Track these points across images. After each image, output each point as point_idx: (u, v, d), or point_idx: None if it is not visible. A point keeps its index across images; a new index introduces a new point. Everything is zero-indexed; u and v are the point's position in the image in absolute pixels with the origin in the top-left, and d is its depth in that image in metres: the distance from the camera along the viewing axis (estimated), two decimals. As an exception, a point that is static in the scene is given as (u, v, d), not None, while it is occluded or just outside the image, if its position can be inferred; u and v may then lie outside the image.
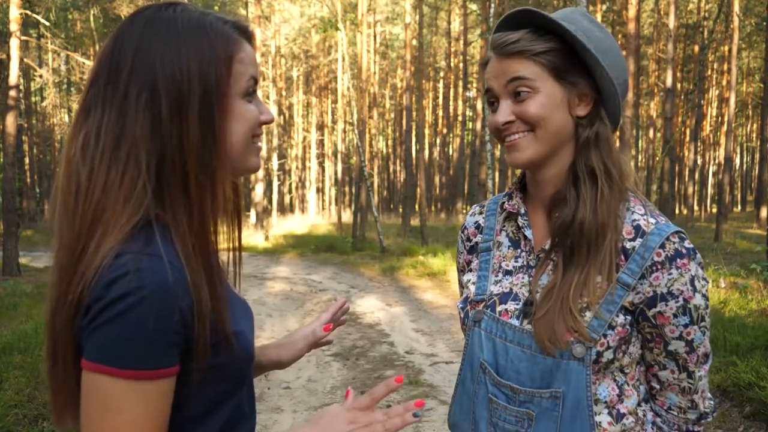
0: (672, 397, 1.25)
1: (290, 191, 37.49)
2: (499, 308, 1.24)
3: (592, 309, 1.14)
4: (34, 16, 14.26)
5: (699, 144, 29.82)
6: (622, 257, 1.17)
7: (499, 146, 11.69)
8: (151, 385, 0.87)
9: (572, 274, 1.16)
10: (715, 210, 27.37)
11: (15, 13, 12.16)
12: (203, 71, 0.94)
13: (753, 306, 7.06)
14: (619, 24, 26.62)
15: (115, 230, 0.90)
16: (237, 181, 1.12)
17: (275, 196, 28.22)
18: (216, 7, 25.13)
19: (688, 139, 28.75)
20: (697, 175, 31.60)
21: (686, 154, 30.29)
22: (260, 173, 21.06)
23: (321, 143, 33.62)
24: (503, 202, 1.34)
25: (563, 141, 1.20)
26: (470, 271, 1.37)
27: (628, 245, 1.17)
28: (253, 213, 22.01)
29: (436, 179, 38.53)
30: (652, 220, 1.18)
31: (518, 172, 1.37)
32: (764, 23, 24.09)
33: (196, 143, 0.93)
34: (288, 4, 26.48)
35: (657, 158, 19.61)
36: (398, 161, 38.94)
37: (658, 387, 1.26)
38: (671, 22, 18.92)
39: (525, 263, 1.27)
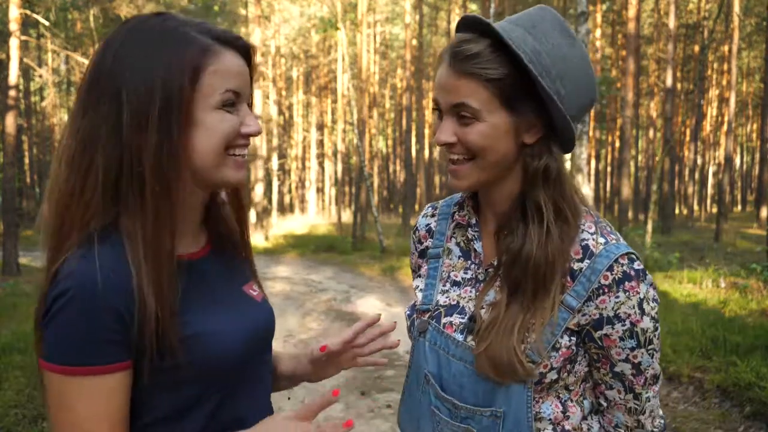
0: (619, 416, 1.23)
1: (290, 191, 37.48)
2: (444, 320, 1.21)
3: (536, 332, 1.11)
4: (34, 16, 14.26)
5: (699, 144, 29.81)
6: (569, 279, 1.13)
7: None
8: (96, 381, 0.92)
9: (517, 308, 1.13)
10: (715, 210, 27.38)
11: (15, 12, 12.15)
12: (166, 82, 0.95)
13: (753, 306, 7.06)
14: (619, 24, 26.62)
15: (74, 234, 0.96)
16: (239, 186, 1.13)
17: (275, 196, 28.23)
18: (216, 7, 25.11)
19: (688, 139, 28.76)
20: (697, 175, 31.60)
21: (686, 154, 30.30)
22: (260, 173, 21.05)
23: (321, 143, 33.62)
24: (454, 212, 1.30)
25: (507, 167, 1.16)
26: (419, 276, 1.33)
27: (575, 266, 1.13)
28: (252, 213, 22.01)
29: (436, 179, 38.54)
30: (602, 240, 1.14)
31: None
32: (764, 23, 24.09)
33: (152, 153, 0.95)
34: (288, 4, 26.47)
35: (657, 158, 19.60)
36: (398, 161, 38.95)
37: (605, 405, 1.23)
38: (671, 22, 18.93)
39: (473, 276, 1.23)
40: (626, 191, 18.64)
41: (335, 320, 8.11)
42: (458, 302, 1.22)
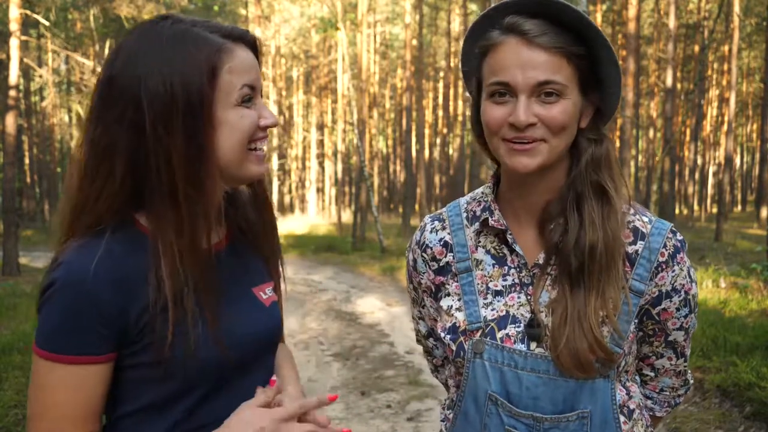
0: (666, 381, 1.28)
1: (290, 191, 37.48)
2: (499, 334, 1.14)
3: (610, 323, 1.09)
4: (34, 16, 14.27)
5: (699, 144, 29.80)
6: (627, 263, 1.14)
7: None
8: (72, 369, 0.94)
9: (584, 294, 1.09)
10: (715, 210, 27.37)
11: (15, 12, 12.15)
12: (186, 85, 0.96)
13: (753, 306, 7.06)
14: (619, 24, 26.61)
15: (80, 231, 0.98)
16: (262, 178, 1.13)
17: (275, 196, 28.22)
18: (216, 8, 25.12)
19: (688, 139, 28.74)
20: (697, 175, 31.59)
21: (686, 154, 30.29)
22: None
23: (321, 143, 33.61)
24: (485, 219, 1.20)
25: (566, 152, 1.15)
26: (449, 295, 1.22)
27: (630, 249, 1.14)
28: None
29: (436, 179, 38.52)
30: (646, 219, 1.17)
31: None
32: (764, 23, 24.08)
33: (182, 157, 0.95)
34: (288, 4, 26.46)
35: (657, 158, 19.61)
36: (398, 161, 38.93)
37: (652, 374, 1.27)
38: (671, 22, 18.92)
39: (516, 281, 1.17)
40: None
41: (335, 320, 8.11)
42: (508, 312, 1.16)
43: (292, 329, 7.51)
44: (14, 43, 12.14)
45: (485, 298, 1.18)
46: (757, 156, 31.73)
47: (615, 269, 1.11)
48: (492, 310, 1.17)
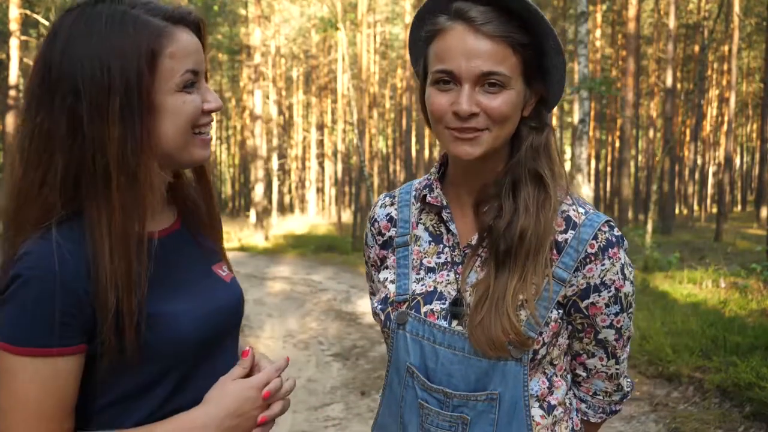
0: (598, 384, 1.27)
1: (290, 191, 37.48)
2: (424, 309, 1.17)
3: (529, 307, 1.10)
4: (34, 16, 14.27)
5: (699, 144, 29.81)
6: (554, 251, 1.14)
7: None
8: (46, 362, 0.91)
9: (507, 277, 1.11)
10: (715, 210, 27.37)
11: (15, 13, 12.17)
12: (124, 71, 0.94)
13: (753, 306, 7.06)
14: (619, 24, 26.61)
15: (29, 226, 0.95)
16: (204, 165, 1.13)
17: (275, 196, 28.21)
18: (216, 7, 25.10)
19: (688, 139, 28.75)
20: (697, 175, 31.60)
21: (686, 154, 30.29)
22: (260, 173, 21.05)
23: (321, 143, 33.61)
24: (424, 195, 1.23)
25: (508, 139, 1.16)
26: (386, 268, 1.27)
27: (560, 238, 1.15)
28: (253, 213, 22.00)
29: (436, 179, 38.46)
30: (581, 210, 1.17)
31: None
32: (764, 23, 24.08)
33: (116, 145, 0.93)
34: (288, 4, 26.47)
35: (657, 158, 19.60)
36: (398, 161, 38.93)
37: (584, 375, 1.26)
38: (671, 22, 18.94)
39: (449, 259, 1.20)
40: (626, 191, 18.64)
41: (335, 320, 8.11)
42: (436, 288, 1.18)
43: (292, 329, 7.51)
44: (14, 43, 12.17)
45: (418, 274, 1.21)
46: (757, 156, 31.72)
47: (541, 255, 1.12)
48: (422, 285, 1.20)
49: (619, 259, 1.15)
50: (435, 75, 1.11)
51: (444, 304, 1.17)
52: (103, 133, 0.93)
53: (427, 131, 32.81)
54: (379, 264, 1.32)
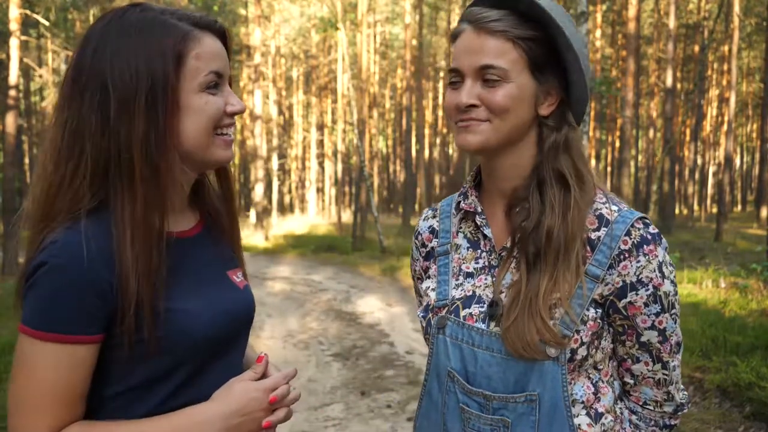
0: (647, 392, 1.22)
1: (290, 191, 37.47)
2: (463, 312, 1.18)
3: (563, 306, 1.10)
4: (34, 15, 14.27)
5: (699, 144, 29.80)
6: (588, 248, 1.14)
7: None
8: (62, 349, 0.95)
9: (539, 277, 1.12)
10: (715, 210, 27.37)
11: (15, 12, 12.15)
12: (150, 69, 0.99)
13: (753, 306, 7.06)
14: (619, 24, 26.61)
15: (60, 215, 0.99)
16: (227, 166, 1.19)
17: (275, 196, 28.21)
18: (216, 8, 25.10)
19: (688, 139, 28.75)
20: (697, 175, 31.59)
21: (686, 154, 30.29)
22: (260, 173, 21.05)
23: (321, 143, 33.60)
24: (459, 202, 1.27)
25: (520, 135, 1.16)
26: (429, 277, 1.30)
27: (593, 236, 1.14)
28: (253, 213, 22.00)
29: (436, 179, 38.52)
30: (614, 208, 1.16)
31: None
32: (764, 23, 24.08)
33: (140, 139, 0.98)
34: (288, 4, 26.47)
35: (657, 158, 19.61)
36: (398, 161, 38.93)
37: (632, 382, 1.22)
38: (671, 22, 18.94)
39: (486, 263, 1.22)
40: (626, 191, 18.62)
41: (335, 320, 8.11)
42: (474, 292, 1.20)
43: (292, 329, 7.52)
44: (14, 43, 12.15)
45: (457, 280, 1.23)
46: (757, 156, 31.73)
47: (572, 254, 1.12)
48: (461, 290, 1.22)
49: (656, 256, 1.13)
50: (448, 75, 1.18)
51: (482, 307, 1.17)
52: (129, 129, 0.98)
53: (427, 131, 32.83)
54: (423, 275, 1.34)
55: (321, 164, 34.24)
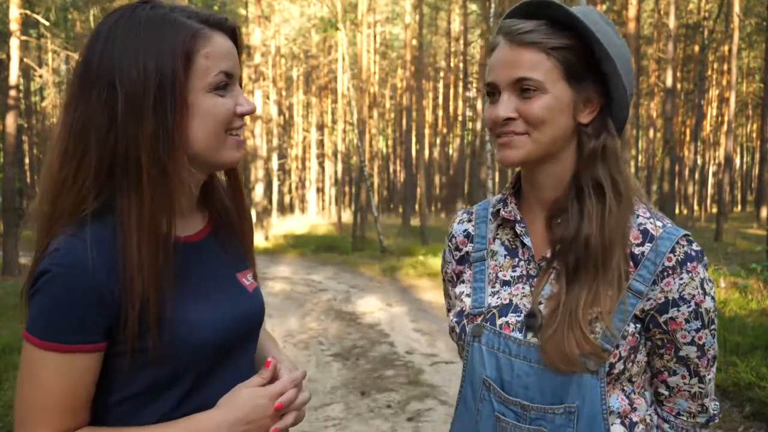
0: (681, 403, 1.22)
1: (290, 191, 37.48)
2: (499, 321, 1.17)
3: (604, 320, 1.09)
4: (34, 15, 14.27)
5: (699, 144, 29.81)
6: (631, 263, 1.13)
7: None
8: (65, 358, 0.94)
9: (579, 289, 1.11)
10: (715, 210, 27.36)
11: (15, 12, 12.16)
12: (159, 67, 0.96)
13: (753, 306, 7.06)
14: (619, 24, 26.60)
15: (64, 217, 0.97)
16: (237, 168, 1.15)
17: (275, 196, 28.22)
18: (216, 7, 25.12)
19: (688, 139, 28.75)
20: (697, 175, 31.60)
21: (686, 154, 30.29)
22: (260, 173, 21.05)
23: (321, 143, 33.61)
24: (498, 209, 1.26)
25: (561, 145, 1.15)
26: (462, 282, 1.28)
27: (637, 251, 1.14)
28: (253, 213, 22.00)
29: (436, 179, 38.53)
30: (659, 224, 1.15)
31: (513, 170, 1.31)
32: (764, 23, 24.08)
33: (148, 139, 0.96)
34: (288, 4, 26.47)
35: (657, 158, 19.61)
36: (398, 161, 38.93)
37: (666, 393, 1.22)
38: (671, 22, 18.94)
39: (524, 272, 1.20)
40: (626, 191, 18.57)
41: (335, 320, 8.11)
42: (511, 301, 1.19)
43: (292, 329, 7.52)
44: (14, 43, 12.15)
45: (493, 287, 1.22)
46: (757, 156, 31.71)
47: (613, 266, 1.10)
48: (497, 298, 1.20)
49: (698, 273, 1.13)
50: (486, 89, 1.18)
51: (519, 316, 1.16)
52: (136, 128, 0.96)
53: (427, 131, 32.81)
54: (455, 279, 1.33)
55: (321, 164, 34.24)
